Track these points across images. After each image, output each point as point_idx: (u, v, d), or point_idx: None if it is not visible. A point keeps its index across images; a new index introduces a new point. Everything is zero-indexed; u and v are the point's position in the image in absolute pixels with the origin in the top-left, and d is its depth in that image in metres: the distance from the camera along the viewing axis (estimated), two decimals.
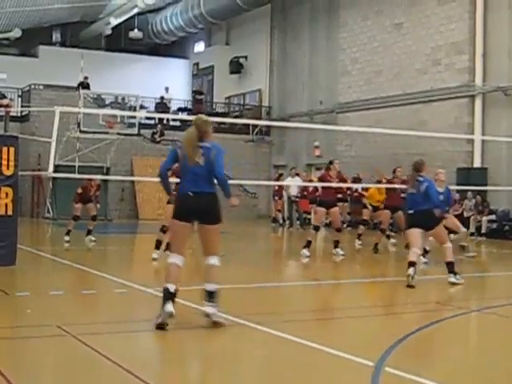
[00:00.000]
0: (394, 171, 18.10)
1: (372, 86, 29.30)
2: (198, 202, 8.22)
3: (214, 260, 8.56)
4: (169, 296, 7.98)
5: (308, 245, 16.38)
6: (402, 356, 7.03)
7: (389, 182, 18.03)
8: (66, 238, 18.20)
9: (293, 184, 26.39)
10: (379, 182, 19.21)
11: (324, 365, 6.71)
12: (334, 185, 17.13)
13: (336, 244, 16.98)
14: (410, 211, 12.22)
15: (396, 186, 17.09)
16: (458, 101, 25.61)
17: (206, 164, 8.23)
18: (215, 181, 8.40)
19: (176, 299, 8.07)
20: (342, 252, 16.83)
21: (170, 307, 7.91)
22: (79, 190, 18.24)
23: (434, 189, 12.42)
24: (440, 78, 26.19)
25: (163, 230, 14.33)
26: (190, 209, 8.25)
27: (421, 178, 12.24)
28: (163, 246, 13.95)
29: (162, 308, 7.89)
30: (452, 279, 12.20)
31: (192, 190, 8.19)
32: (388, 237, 18.84)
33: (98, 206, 19.11)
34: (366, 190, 20.09)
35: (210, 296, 8.32)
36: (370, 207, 19.40)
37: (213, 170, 8.25)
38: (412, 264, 11.63)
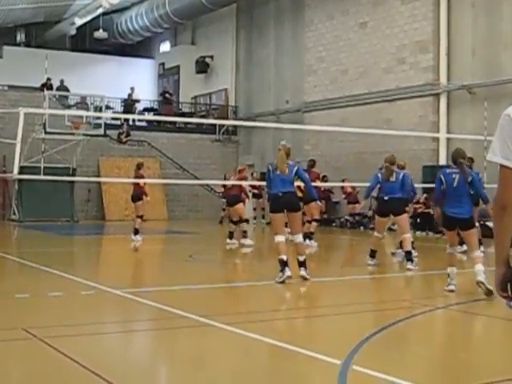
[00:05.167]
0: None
1: (338, 84, 29.39)
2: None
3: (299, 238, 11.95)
4: (285, 263, 11.49)
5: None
6: (370, 354, 7.08)
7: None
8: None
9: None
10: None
11: (291, 364, 6.74)
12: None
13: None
14: (386, 197, 13.77)
15: None
16: (422, 99, 25.77)
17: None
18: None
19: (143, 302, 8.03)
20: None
21: (288, 271, 11.44)
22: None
23: (410, 178, 14.68)
24: (405, 77, 26.33)
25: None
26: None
27: (397, 169, 14.17)
28: None
29: (282, 272, 11.43)
30: (409, 266, 13.53)
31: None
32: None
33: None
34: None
35: (301, 264, 11.77)
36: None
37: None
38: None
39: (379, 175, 14.07)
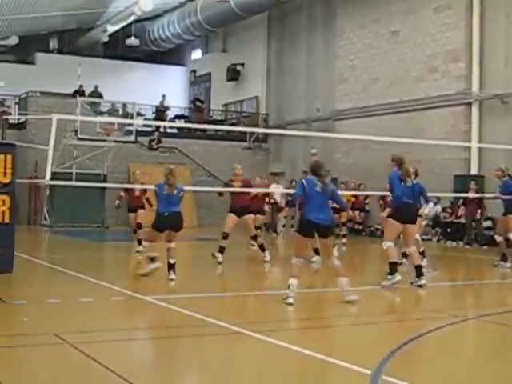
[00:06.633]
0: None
1: (369, 93, 29.32)
2: None
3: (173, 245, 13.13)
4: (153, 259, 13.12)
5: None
6: (400, 364, 7.03)
7: None
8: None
9: (276, 191, 26.09)
10: None
11: (321, 373, 6.71)
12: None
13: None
14: (410, 200, 12.98)
15: None
16: (454, 108, 25.62)
17: None
18: None
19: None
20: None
21: (173, 275, 12.82)
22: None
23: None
24: (436, 86, 26.20)
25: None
26: None
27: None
28: None
29: (151, 264, 13.03)
30: (422, 282, 12.74)
31: None
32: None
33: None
34: None
35: (171, 266, 13.02)
36: None
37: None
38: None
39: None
